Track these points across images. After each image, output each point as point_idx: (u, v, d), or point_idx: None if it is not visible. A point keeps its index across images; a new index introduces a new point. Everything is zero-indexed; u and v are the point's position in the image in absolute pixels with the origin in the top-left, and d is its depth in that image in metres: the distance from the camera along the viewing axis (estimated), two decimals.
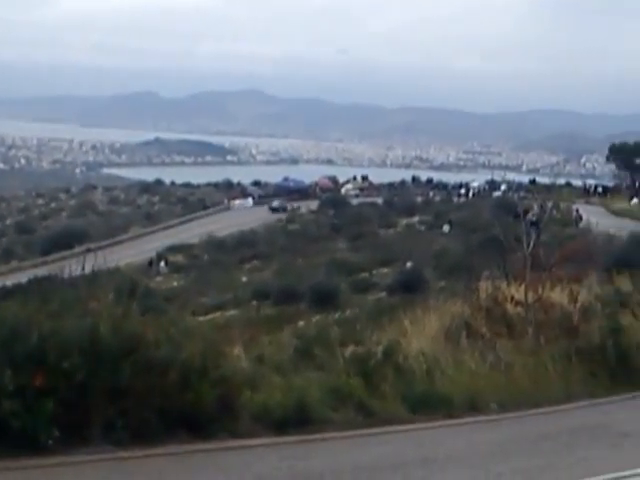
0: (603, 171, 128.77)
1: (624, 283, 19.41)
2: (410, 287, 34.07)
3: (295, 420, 11.06)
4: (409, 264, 42.23)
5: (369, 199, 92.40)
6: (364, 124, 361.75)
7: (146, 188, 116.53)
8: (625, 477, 9.55)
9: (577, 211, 56.77)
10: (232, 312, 37.07)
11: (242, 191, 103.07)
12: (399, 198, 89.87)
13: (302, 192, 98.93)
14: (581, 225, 51.10)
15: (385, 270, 45.34)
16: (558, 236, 39.38)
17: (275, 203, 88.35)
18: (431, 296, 23.36)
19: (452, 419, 12.39)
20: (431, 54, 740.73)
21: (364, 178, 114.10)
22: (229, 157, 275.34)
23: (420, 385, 12.73)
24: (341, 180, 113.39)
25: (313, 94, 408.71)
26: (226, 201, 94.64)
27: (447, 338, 14.84)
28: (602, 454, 10.71)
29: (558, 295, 17.08)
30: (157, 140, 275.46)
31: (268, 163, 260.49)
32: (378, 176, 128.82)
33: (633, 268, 21.43)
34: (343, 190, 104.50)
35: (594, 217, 53.67)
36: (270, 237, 66.15)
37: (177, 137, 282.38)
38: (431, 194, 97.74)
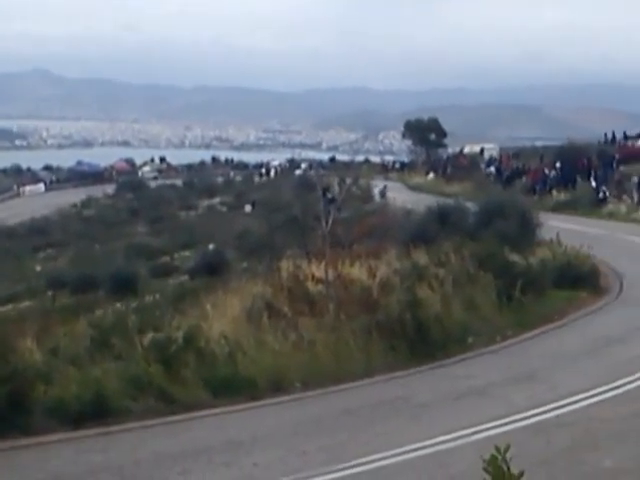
0: (400, 147, 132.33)
1: (421, 256, 19.89)
2: (213, 269, 33.71)
3: (93, 413, 10.80)
4: (211, 246, 41.85)
5: (168, 181, 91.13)
6: (160, 104, 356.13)
7: None
8: (424, 447, 9.80)
9: (385, 187, 57.94)
10: (26, 303, 35.44)
11: (33, 177, 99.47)
12: (199, 179, 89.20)
13: (97, 176, 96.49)
14: (379, 200, 52.21)
15: (187, 253, 44.79)
16: (358, 212, 40.24)
17: None
18: (233, 278, 23.27)
19: (256, 401, 12.34)
20: (225, 31, 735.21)
21: (162, 160, 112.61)
22: (18, 141, 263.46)
23: (222, 369, 12.60)
24: (138, 162, 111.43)
25: (104, 74, 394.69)
26: (16, 187, 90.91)
27: (249, 319, 14.73)
28: (402, 426, 10.94)
29: (357, 271, 17.37)
30: None
31: (60, 147, 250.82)
32: (177, 157, 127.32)
33: (429, 241, 22.00)
34: (141, 173, 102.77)
35: (392, 192, 55.13)
36: (64, 224, 63.96)
37: None
38: (232, 174, 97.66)
